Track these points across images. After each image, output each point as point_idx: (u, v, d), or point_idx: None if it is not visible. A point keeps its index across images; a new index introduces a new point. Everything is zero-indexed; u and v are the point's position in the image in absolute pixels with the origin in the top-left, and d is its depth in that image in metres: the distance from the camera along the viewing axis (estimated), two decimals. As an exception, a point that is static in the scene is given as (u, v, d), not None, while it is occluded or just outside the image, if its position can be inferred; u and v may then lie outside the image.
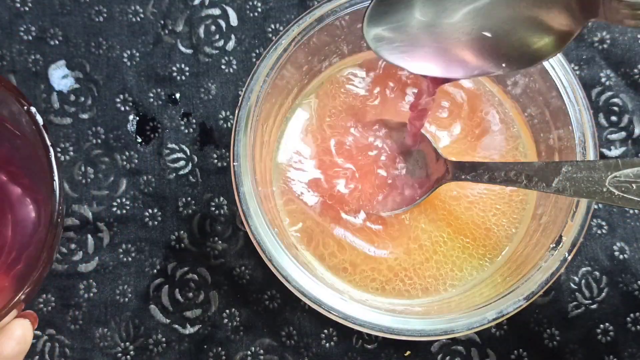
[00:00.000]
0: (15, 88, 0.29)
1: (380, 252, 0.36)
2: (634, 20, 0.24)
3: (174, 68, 0.41)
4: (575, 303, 0.39)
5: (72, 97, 0.41)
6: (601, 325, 0.39)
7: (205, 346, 0.39)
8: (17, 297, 0.28)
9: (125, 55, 0.41)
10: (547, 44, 0.28)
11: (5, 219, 0.32)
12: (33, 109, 0.29)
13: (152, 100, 0.41)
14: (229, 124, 0.41)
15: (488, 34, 0.29)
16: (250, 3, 0.42)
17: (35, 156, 0.31)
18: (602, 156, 0.41)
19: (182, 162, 0.40)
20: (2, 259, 0.32)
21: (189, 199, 0.40)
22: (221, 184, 0.40)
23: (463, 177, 0.34)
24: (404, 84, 0.38)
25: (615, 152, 0.41)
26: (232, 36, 0.42)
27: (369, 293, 0.36)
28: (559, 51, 0.28)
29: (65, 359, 0.38)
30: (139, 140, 0.40)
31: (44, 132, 0.29)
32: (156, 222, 0.40)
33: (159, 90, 0.41)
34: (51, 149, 0.29)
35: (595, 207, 0.40)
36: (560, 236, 0.32)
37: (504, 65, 0.30)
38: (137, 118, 0.41)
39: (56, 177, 0.29)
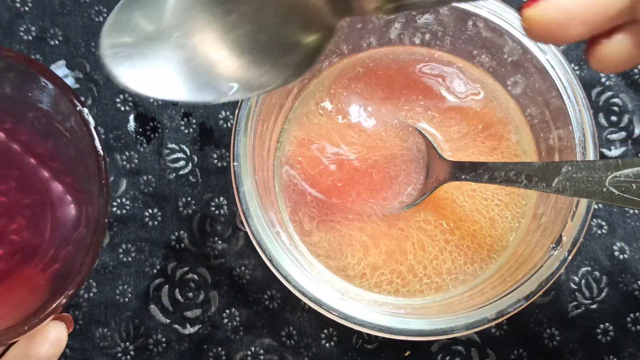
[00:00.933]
0: (68, 87, 0.29)
1: (391, 249, 0.36)
2: (385, 12, 0.23)
3: (174, 68, 0.41)
4: (575, 303, 0.39)
5: (72, 97, 0.41)
6: (601, 325, 0.39)
7: (205, 346, 0.39)
8: (59, 300, 0.28)
9: (125, 55, 0.41)
10: (303, 56, 0.25)
11: (45, 215, 0.32)
12: (85, 110, 0.29)
13: (152, 100, 0.41)
14: (229, 124, 0.41)
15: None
16: (250, 3, 0.42)
17: (80, 156, 0.31)
18: (602, 156, 0.41)
19: (182, 162, 0.40)
20: (39, 257, 0.32)
21: (189, 199, 0.40)
22: (221, 184, 0.40)
23: (463, 176, 0.34)
24: (404, 83, 0.38)
25: (615, 152, 0.41)
26: (232, 36, 0.42)
27: (381, 294, 0.36)
28: (315, 60, 0.25)
29: (65, 359, 0.38)
30: (139, 140, 0.40)
31: (94, 134, 0.29)
32: (156, 222, 0.40)
33: (159, 90, 0.41)
34: (101, 152, 0.29)
35: (595, 207, 0.40)
36: (560, 236, 0.32)
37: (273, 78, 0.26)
38: (137, 118, 0.41)
39: (104, 180, 0.29)
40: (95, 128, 0.29)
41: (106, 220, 0.29)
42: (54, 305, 0.28)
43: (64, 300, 0.28)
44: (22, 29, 0.41)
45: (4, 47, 0.29)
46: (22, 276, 0.31)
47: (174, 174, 0.40)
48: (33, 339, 0.29)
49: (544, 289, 0.31)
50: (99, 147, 0.29)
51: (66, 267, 0.30)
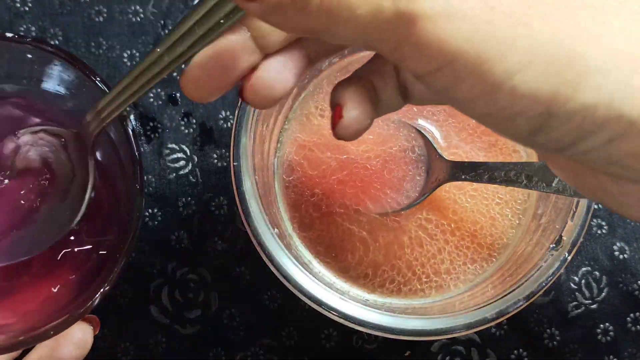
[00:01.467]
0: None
1: (389, 242, 0.36)
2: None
3: (174, 68, 0.41)
4: (575, 303, 0.39)
5: (72, 97, 0.41)
6: (601, 325, 0.39)
7: (205, 346, 0.39)
8: (91, 301, 0.28)
9: (125, 55, 0.41)
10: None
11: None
12: (131, 113, 0.29)
13: (152, 100, 0.41)
14: (229, 124, 0.41)
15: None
16: (250, 3, 0.42)
17: (117, 158, 0.31)
18: (602, 156, 0.41)
19: (182, 162, 0.40)
20: (71, 254, 0.32)
21: (189, 199, 0.40)
22: (221, 184, 0.40)
23: (463, 177, 0.34)
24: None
25: (615, 152, 0.41)
26: (232, 36, 0.41)
27: (384, 294, 0.36)
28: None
29: (65, 359, 0.38)
30: (139, 140, 0.40)
31: (132, 139, 0.29)
32: (156, 222, 0.40)
33: (159, 90, 0.41)
34: (138, 157, 0.29)
35: (595, 207, 0.40)
36: (560, 236, 0.32)
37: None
38: (137, 118, 0.41)
39: (138, 187, 0.29)
40: (133, 131, 0.29)
41: (139, 226, 0.29)
42: (84, 308, 0.28)
43: (96, 302, 0.28)
44: (22, 29, 0.41)
45: (62, 49, 0.29)
46: (52, 273, 0.31)
47: (174, 174, 0.40)
48: (58, 340, 0.29)
49: (544, 289, 0.31)
50: (136, 152, 0.29)
51: (97, 267, 0.30)
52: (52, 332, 0.27)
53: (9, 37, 0.29)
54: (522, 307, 0.31)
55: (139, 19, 0.41)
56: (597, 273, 0.39)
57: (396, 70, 0.24)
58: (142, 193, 0.29)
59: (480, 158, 0.37)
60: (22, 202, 0.30)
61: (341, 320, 0.31)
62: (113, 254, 0.29)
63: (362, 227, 0.36)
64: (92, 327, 0.30)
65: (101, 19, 0.41)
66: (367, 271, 0.36)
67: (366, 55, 0.38)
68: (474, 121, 0.38)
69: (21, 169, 0.30)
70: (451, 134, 0.38)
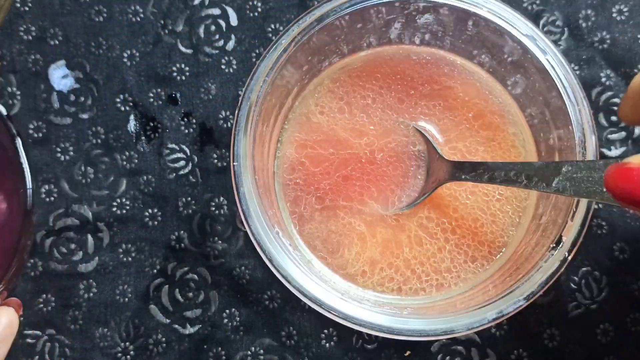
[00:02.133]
0: None
1: (387, 239, 0.36)
2: None
3: (174, 68, 0.41)
4: (575, 303, 0.39)
5: (72, 97, 0.41)
6: (601, 325, 0.39)
7: (205, 346, 0.39)
8: None
9: (125, 55, 0.41)
10: None
11: None
12: None
13: (152, 100, 0.41)
14: (229, 124, 0.41)
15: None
16: (250, 3, 0.42)
17: (1, 146, 0.32)
18: (602, 156, 0.41)
19: (182, 162, 0.40)
20: None
21: (189, 199, 0.40)
22: (221, 184, 0.40)
23: (463, 177, 0.34)
24: (403, 84, 0.38)
25: (615, 152, 0.41)
26: (232, 36, 0.42)
27: (385, 293, 0.36)
28: None
29: (65, 359, 0.38)
30: (139, 140, 0.40)
31: (7, 121, 0.30)
32: (156, 222, 0.40)
33: (159, 90, 0.41)
34: (17, 138, 0.30)
35: (595, 207, 0.40)
36: (560, 236, 0.32)
37: None
38: (137, 118, 0.41)
39: (25, 166, 0.29)
40: (8, 116, 0.30)
41: (32, 206, 0.30)
42: None
43: (1, 288, 0.30)
44: (22, 29, 0.41)
45: None
46: None
47: (174, 174, 0.40)
48: None
49: (544, 289, 0.31)
50: (15, 132, 0.30)
51: (5, 257, 0.31)
52: None
53: None
54: (522, 307, 0.31)
55: (139, 19, 0.41)
56: (597, 273, 0.39)
57: None
58: (26, 171, 0.30)
59: (479, 152, 0.37)
60: None
61: (341, 320, 0.31)
62: (15, 241, 0.30)
63: (362, 223, 0.37)
64: (14, 309, 0.32)
65: (101, 19, 0.41)
66: (364, 268, 0.36)
67: (368, 53, 0.39)
68: (471, 115, 0.38)
69: None
70: (449, 129, 0.38)
